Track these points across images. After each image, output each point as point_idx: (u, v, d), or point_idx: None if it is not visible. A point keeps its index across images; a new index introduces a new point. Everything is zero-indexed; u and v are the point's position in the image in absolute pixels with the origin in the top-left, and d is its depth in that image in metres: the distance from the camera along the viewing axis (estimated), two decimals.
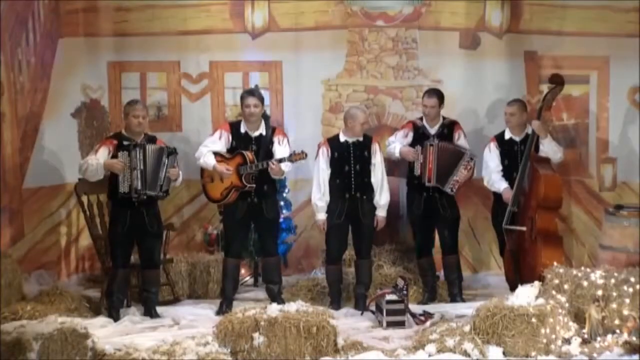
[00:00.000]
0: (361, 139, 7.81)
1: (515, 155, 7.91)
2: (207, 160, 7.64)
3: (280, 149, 7.64)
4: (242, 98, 7.74)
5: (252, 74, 8.81)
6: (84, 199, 8.09)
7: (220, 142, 7.70)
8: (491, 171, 7.97)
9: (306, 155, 7.53)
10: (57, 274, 8.53)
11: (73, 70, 8.69)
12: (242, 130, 7.72)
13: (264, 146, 7.66)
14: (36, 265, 8.37)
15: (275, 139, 7.70)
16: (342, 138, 7.83)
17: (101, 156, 7.44)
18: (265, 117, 8.37)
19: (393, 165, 8.50)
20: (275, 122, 8.58)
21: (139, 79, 8.85)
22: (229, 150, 7.70)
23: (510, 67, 8.67)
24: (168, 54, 8.80)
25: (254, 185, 7.58)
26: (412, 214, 8.14)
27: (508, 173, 7.92)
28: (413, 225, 8.21)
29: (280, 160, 7.50)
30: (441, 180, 7.89)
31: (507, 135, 8.00)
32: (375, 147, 7.84)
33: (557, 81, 7.98)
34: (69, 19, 8.63)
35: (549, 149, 7.88)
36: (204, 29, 8.79)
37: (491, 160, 7.98)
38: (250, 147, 7.66)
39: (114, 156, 7.44)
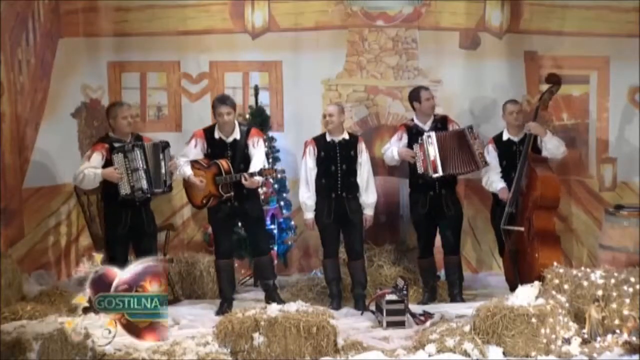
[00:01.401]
0: (347, 137, 7.83)
1: (514, 156, 7.91)
2: (184, 171, 7.60)
3: (255, 152, 7.61)
4: (214, 107, 7.67)
5: (252, 74, 8.81)
6: (84, 199, 8.09)
7: (196, 150, 7.68)
8: (489, 172, 7.97)
9: (276, 171, 7.62)
10: (57, 274, 8.53)
11: (73, 70, 8.69)
12: (217, 136, 7.67)
13: (239, 151, 7.62)
14: (36, 265, 8.38)
15: (250, 142, 7.65)
16: (329, 137, 7.84)
17: (95, 162, 7.35)
18: (265, 117, 8.39)
19: (394, 166, 8.49)
20: (275, 122, 8.59)
21: (139, 79, 8.85)
22: (207, 156, 7.68)
23: (510, 67, 8.66)
24: (168, 54, 8.80)
25: (232, 194, 7.58)
26: (416, 214, 8.10)
27: (506, 173, 7.92)
28: (416, 225, 8.19)
29: (252, 175, 7.48)
30: (446, 167, 7.86)
31: (505, 136, 8.01)
32: (361, 146, 7.85)
33: (554, 80, 7.98)
34: (69, 19, 8.64)
35: (552, 145, 7.86)
36: (204, 29, 8.79)
37: (490, 162, 7.98)
38: (225, 153, 7.63)
39: (108, 160, 7.37)
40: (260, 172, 7.46)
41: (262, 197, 8.13)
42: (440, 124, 8.02)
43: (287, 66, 8.79)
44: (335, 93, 8.80)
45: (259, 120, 8.42)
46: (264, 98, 8.68)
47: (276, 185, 8.43)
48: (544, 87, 8.33)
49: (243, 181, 7.47)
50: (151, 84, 8.87)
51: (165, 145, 7.52)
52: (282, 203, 8.50)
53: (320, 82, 8.79)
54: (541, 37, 8.62)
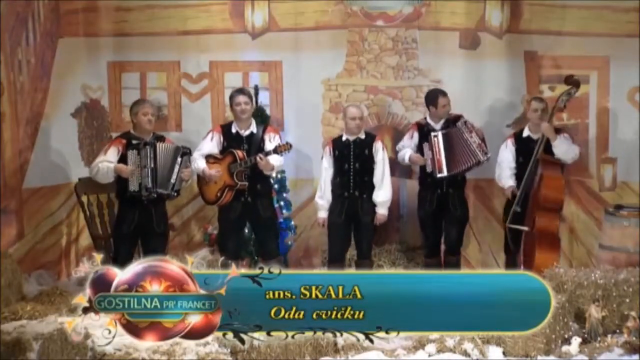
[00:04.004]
0: (363, 137, 7.82)
1: (531, 154, 7.89)
2: (198, 165, 7.68)
3: (271, 146, 7.64)
4: (232, 97, 7.74)
5: (252, 74, 8.81)
6: (84, 199, 8.09)
7: (212, 143, 7.73)
8: (504, 167, 7.97)
9: (290, 145, 7.53)
10: (57, 274, 8.53)
11: (73, 70, 8.69)
12: (233, 130, 7.74)
13: (254, 144, 7.67)
14: (36, 265, 8.37)
15: (266, 137, 7.70)
16: (344, 137, 7.85)
17: (111, 156, 7.45)
18: (265, 117, 8.38)
19: (393, 165, 8.50)
20: (275, 122, 8.59)
21: (139, 79, 8.85)
22: (222, 151, 7.72)
23: (510, 67, 8.66)
24: (168, 54, 8.80)
25: (246, 183, 7.60)
26: (422, 212, 8.10)
27: (522, 170, 7.90)
28: (422, 224, 8.18)
29: (267, 154, 7.51)
30: (451, 167, 7.87)
31: (526, 133, 7.97)
32: (377, 145, 7.82)
33: (573, 82, 7.94)
34: (69, 19, 8.64)
35: (560, 150, 7.84)
36: (204, 29, 8.79)
37: (505, 156, 7.98)
38: (241, 146, 7.68)
39: (123, 155, 7.45)
40: (276, 150, 7.49)
41: None
42: (453, 123, 8.01)
43: (287, 66, 8.78)
44: (335, 93, 8.80)
45: (259, 120, 8.39)
46: (264, 98, 8.67)
47: (276, 185, 8.42)
48: (544, 87, 8.35)
49: (258, 161, 7.48)
50: (151, 84, 8.87)
51: (185, 152, 7.57)
52: (282, 203, 8.48)
53: (320, 82, 8.79)
54: (541, 37, 8.62)
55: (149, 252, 7.55)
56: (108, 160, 7.44)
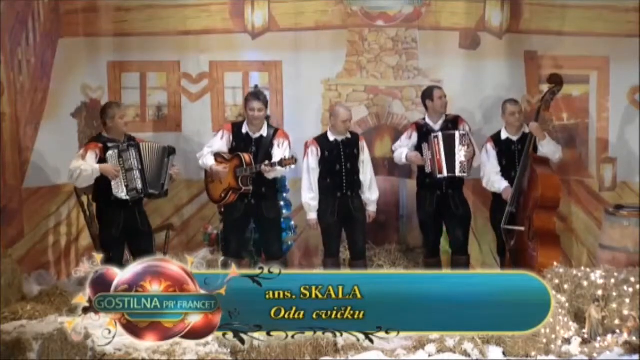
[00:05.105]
0: (349, 136, 7.84)
1: (513, 155, 7.92)
2: (206, 161, 7.71)
3: (279, 152, 7.63)
4: (247, 100, 7.76)
5: (252, 74, 8.81)
6: (84, 199, 8.09)
7: (221, 141, 7.75)
8: (489, 172, 7.96)
9: (296, 160, 7.57)
10: (57, 274, 8.54)
11: (73, 70, 8.68)
12: (244, 130, 7.74)
13: (263, 148, 7.68)
14: (36, 265, 8.37)
15: (276, 142, 7.70)
16: (331, 137, 7.85)
17: (90, 161, 7.34)
18: (266, 118, 8.38)
19: (393, 166, 8.50)
20: (275, 122, 8.58)
21: (139, 79, 8.85)
22: (230, 150, 7.73)
23: (510, 67, 8.67)
24: (168, 54, 8.80)
25: (250, 188, 7.60)
26: (423, 213, 8.11)
27: (506, 173, 7.92)
28: (422, 224, 8.19)
29: (272, 165, 7.51)
30: (451, 168, 7.88)
31: (504, 135, 8.00)
32: (362, 144, 7.87)
33: (556, 81, 7.99)
34: (69, 19, 8.64)
35: (548, 150, 7.88)
36: (204, 29, 8.79)
37: (488, 161, 7.98)
38: (250, 148, 7.69)
39: (102, 159, 7.36)
40: (281, 162, 7.49)
41: None
42: (451, 124, 8.02)
43: (287, 66, 8.79)
44: (335, 93, 8.81)
45: None
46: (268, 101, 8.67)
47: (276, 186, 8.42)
48: (544, 87, 8.34)
49: (263, 168, 7.49)
50: (151, 84, 8.87)
51: (171, 151, 7.56)
52: (282, 203, 8.48)
53: (320, 82, 8.79)
54: (541, 37, 8.62)
55: (138, 253, 7.49)
56: (89, 164, 7.33)
